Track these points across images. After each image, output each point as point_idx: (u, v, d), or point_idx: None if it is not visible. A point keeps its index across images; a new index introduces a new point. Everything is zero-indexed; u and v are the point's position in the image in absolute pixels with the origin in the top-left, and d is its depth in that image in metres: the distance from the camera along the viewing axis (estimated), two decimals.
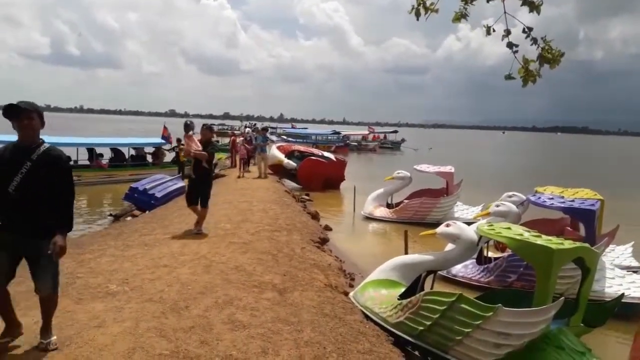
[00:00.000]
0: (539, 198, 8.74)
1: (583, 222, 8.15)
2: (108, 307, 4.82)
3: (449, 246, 6.45)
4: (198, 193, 8.33)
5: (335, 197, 18.67)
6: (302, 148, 23.69)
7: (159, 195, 13.38)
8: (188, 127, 8.50)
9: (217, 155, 25.28)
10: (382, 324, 5.56)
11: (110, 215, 13.44)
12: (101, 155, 20.78)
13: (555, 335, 4.46)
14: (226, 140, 33.90)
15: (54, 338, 3.88)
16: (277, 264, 6.90)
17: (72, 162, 19.91)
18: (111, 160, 21.29)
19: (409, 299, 5.38)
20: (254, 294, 5.55)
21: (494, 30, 3.31)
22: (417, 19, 3.45)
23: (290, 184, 19.68)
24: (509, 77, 3.35)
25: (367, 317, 5.72)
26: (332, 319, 5.15)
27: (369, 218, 14.19)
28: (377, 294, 6.06)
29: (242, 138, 21.98)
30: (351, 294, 6.49)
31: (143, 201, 13.35)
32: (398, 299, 5.68)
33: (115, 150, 21.86)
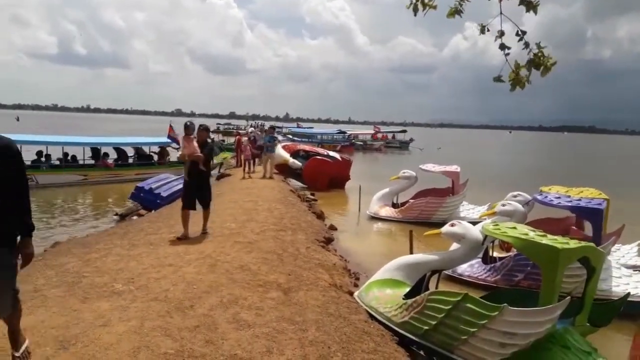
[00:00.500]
0: (546, 197, 8.70)
1: (590, 221, 8.11)
2: (114, 306, 4.85)
3: (454, 246, 6.43)
4: (195, 196, 8.12)
5: (341, 196, 18.65)
6: (307, 147, 23.67)
7: (164, 194, 13.43)
8: (188, 128, 8.13)
9: (222, 155, 25.33)
10: (387, 323, 5.56)
11: (116, 214, 13.52)
12: (107, 154, 20.87)
13: (561, 335, 4.44)
14: (232, 139, 33.96)
15: (26, 344, 3.63)
16: (282, 264, 6.90)
17: (79, 162, 20.06)
18: (115, 160, 21.35)
19: (414, 299, 5.38)
20: (258, 294, 5.56)
21: (488, 30, 3.28)
22: (415, 15, 3.43)
23: (295, 183, 19.68)
24: (498, 79, 3.31)
25: (371, 316, 5.72)
26: (336, 319, 5.15)
27: (375, 218, 14.17)
28: (382, 294, 6.06)
29: (246, 138, 21.96)
30: (356, 293, 6.49)
31: (149, 200, 13.41)
32: (403, 299, 5.67)
33: (119, 150, 21.90)
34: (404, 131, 64.87)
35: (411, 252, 7.59)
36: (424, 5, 3.40)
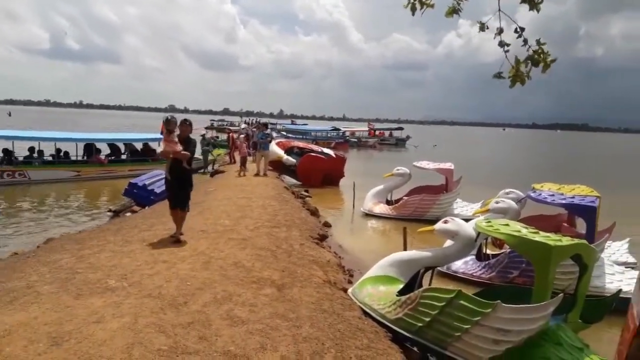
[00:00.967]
0: (540, 195, 8.75)
1: (584, 218, 8.17)
2: (107, 303, 4.83)
3: (448, 242, 6.45)
4: (181, 196, 7.59)
5: (335, 193, 18.67)
6: (301, 144, 23.66)
7: (158, 190, 13.37)
8: (169, 122, 7.40)
9: (216, 152, 25.26)
10: (381, 320, 5.57)
11: (110, 210, 13.45)
12: (99, 150, 20.74)
13: (553, 332, 4.47)
14: (225, 136, 33.85)
15: None
16: (276, 260, 6.90)
17: (72, 158, 19.95)
18: (108, 156, 21.21)
19: (407, 296, 5.39)
20: (252, 290, 5.56)
21: (487, 28, 3.29)
22: (413, 14, 3.43)
23: (289, 180, 19.67)
24: (498, 75, 3.32)
25: (365, 313, 5.73)
26: (330, 315, 5.16)
27: (369, 215, 14.19)
28: (376, 291, 6.07)
29: (241, 135, 21.84)
30: (350, 290, 6.50)
31: (142, 197, 13.35)
32: (397, 295, 5.68)
33: (113, 146, 21.74)
34: (401, 128, 64.86)
35: (405, 249, 7.61)
36: (422, 4, 3.40)
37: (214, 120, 76.88)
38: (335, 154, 21.05)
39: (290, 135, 46.78)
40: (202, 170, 22.31)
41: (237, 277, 5.93)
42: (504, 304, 4.40)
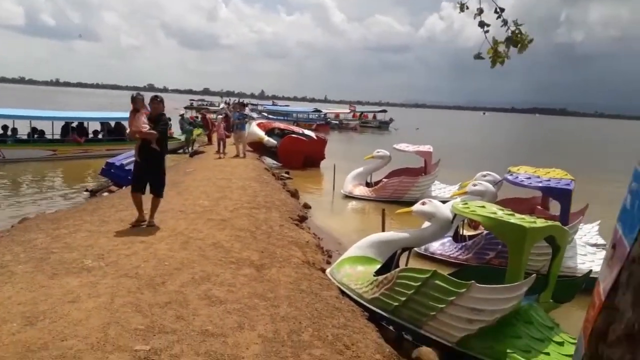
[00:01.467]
0: (517, 178, 8.87)
1: (559, 201, 8.32)
2: (83, 283, 4.79)
3: (426, 224, 6.53)
4: (146, 180, 7.12)
5: (315, 175, 18.67)
6: (282, 125, 23.52)
7: None
8: (136, 100, 6.94)
9: (196, 132, 24.95)
10: (358, 299, 5.64)
11: (87, 190, 13.25)
12: (74, 129, 20.26)
13: (525, 311, 4.59)
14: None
15: None
16: (255, 241, 6.91)
17: (47, 136, 19.50)
18: (84, 134, 20.62)
19: (384, 276, 5.46)
20: (231, 270, 5.57)
21: (467, 8, 3.31)
22: None
23: (270, 161, 19.60)
24: (478, 56, 3.36)
25: (343, 293, 5.80)
26: (308, 295, 5.21)
27: (349, 197, 14.25)
28: (353, 271, 6.13)
29: (219, 115, 21.55)
30: (328, 270, 6.55)
31: (120, 176, 13.15)
32: (374, 276, 5.75)
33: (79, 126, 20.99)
34: (384, 111, 64.84)
35: (383, 230, 7.68)
36: None
37: (193, 100, 75.84)
38: (316, 136, 21.00)
39: (271, 116, 46.43)
40: (181, 150, 22.06)
41: (215, 258, 5.93)
42: (478, 284, 4.49)
